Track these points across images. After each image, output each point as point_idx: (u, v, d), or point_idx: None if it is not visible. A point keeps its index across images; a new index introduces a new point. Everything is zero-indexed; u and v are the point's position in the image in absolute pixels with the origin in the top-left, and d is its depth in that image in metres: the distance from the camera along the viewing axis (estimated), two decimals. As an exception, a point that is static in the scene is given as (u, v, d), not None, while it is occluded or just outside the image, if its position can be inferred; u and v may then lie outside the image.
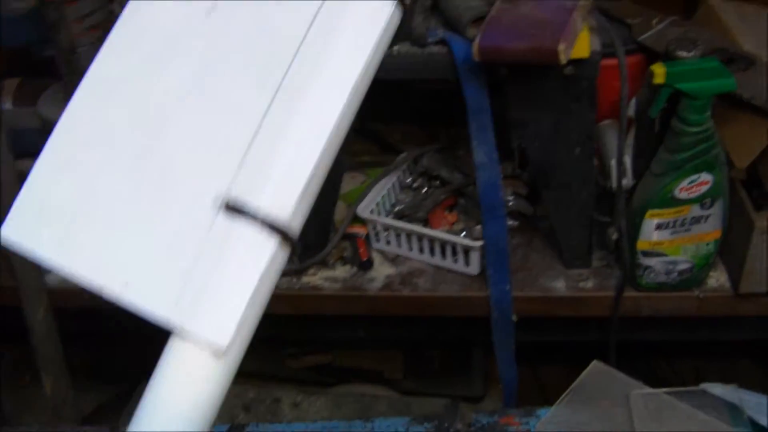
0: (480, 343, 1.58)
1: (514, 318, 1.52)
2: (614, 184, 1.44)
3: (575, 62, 1.30)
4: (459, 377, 1.89)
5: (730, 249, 1.53)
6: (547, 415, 1.23)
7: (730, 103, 1.44)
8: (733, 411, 1.21)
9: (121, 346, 2.00)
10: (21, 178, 1.53)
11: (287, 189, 0.68)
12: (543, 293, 1.56)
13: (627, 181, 1.44)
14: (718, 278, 1.57)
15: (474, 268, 1.58)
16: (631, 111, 1.40)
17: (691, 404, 1.21)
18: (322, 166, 0.70)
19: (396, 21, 0.74)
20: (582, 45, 1.30)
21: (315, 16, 0.72)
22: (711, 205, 1.42)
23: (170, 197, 0.69)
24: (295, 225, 0.68)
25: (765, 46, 1.47)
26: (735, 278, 1.53)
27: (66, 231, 0.70)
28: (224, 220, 0.67)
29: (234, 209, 0.67)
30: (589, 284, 1.57)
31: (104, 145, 0.72)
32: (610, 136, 1.46)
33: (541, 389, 1.60)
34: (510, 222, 1.62)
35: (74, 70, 1.64)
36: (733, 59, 1.44)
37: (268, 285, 0.68)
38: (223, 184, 0.68)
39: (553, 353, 1.77)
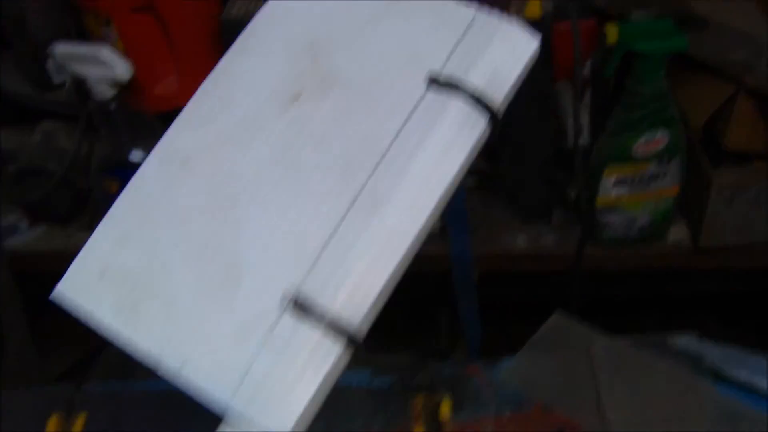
0: (443, 301, 1.64)
1: (476, 275, 1.59)
2: (571, 142, 1.51)
3: (528, 23, 1.36)
4: (424, 335, 1.95)
5: (689, 205, 1.62)
6: (509, 364, 1.30)
7: (685, 64, 1.52)
8: (696, 361, 1.28)
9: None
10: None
11: (360, 295, 0.68)
12: (504, 250, 1.64)
13: (584, 140, 1.51)
14: (678, 233, 1.65)
15: (435, 225, 1.64)
16: (586, 72, 1.48)
17: (653, 354, 1.28)
18: (398, 273, 0.71)
19: (486, 134, 0.75)
20: (534, 6, 1.37)
21: (404, 123, 0.72)
22: (668, 162, 1.50)
23: (238, 283, 0.70)
24: (364, 330, 0.68)
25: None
26: (695, 233, 1.62)
27: (126, 299, 0.72)
28: (291, 317, 0.68)
29: (302, 308, 0.68)
30: (550, 241, 1.65)
31: (175, 217, 0.74)
32: (566, 96, 1.53)
33: (508, 346, 1.67)
34: (468, 179, 1.69)
35: (23, 39, 1.69)
36: (687, 20, 1.51)
37: (330, 384, 0.69)
38: (295, 280, 0.69)
39: (518, 310, 1.85)
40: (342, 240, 0.69)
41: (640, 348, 1.28)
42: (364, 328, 0.68)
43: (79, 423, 1.30)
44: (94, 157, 1.62)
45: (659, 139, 1.45)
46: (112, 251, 0.74)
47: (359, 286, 0.68)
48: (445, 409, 1.26)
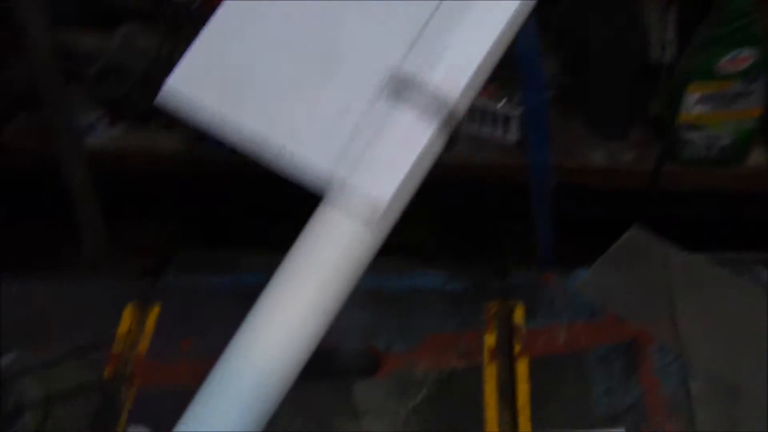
0: (516, 213, 1.64)
1: (552, 187, 1.57)
2: (657, 58, 1.49)
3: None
4: (493, 253, 1.95)
5: (773, 126, 1.59)
6: (584, 274, 1.30)
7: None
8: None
9: (159, 216, 2.10)
10: (56, 45, 1.61)
11: (457, 73, 0.70)
12: (581, 164, 1.64)
13: (669, 55, 1.49)
14: (759, 157, 1.62)
15: (513, 136, 1.66)
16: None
17: (731, 272, 1.27)
18: (493, 55, 0.71)
19: None
20: None
21: None
22: (754, 81, 1.47)
23: (339, 68, 0.73)
24: (460, 109, 0.69)
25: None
26: (776, 156, 1.59)
27: (232, 88, 0.75)
28: (391, 95, 0.70)
29: (402, 86, 0.69)
30: (628, 157, 1.64)
31: (276, 18, 0.76)
32: (652, 10, 1.51)
33: (581, 261, 1.67)
34: (550, 91, 1.66)
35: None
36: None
37: (426, 164, 0.70)
38: (394, 61, 0.70)
39: (593, 226, 1.84)
40: (438, 25, 0.71)
41: (718, 265, 1.28)
42: (461, 107, 0.69)
43: (153, 313, 1.33)
44: (175, 56, 1.63)
45: (745, 57, 1.43)
46: (218, 49, 0.77)
47: (456, 64, 0.70)
48: (518, 316, 1.27)
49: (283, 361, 0.69)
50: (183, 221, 2.13)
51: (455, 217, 1.95)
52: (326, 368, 1.28)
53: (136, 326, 1.31)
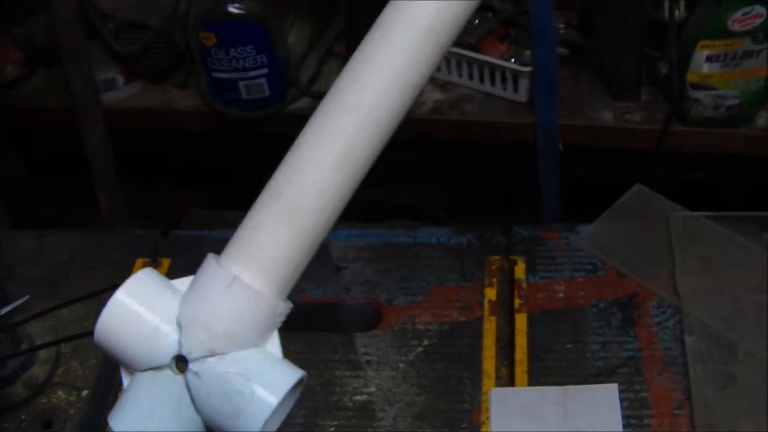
0: (524, 173, 1.65)
1: (560, 147, 1.59)
2: (666, 14, 1.49)
3: None
4: (501, 218, 1.95)
5: (782, 89, 1.57)
6: (586, 231, 1.31)
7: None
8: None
9: (170, 179, 2.12)
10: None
11: None
12: (590, 123, 1.63)
13: (679, 13, 1.49)
14: (767, 119, 1.61)
15: (522, 95, 1.65)
16: (684, -59, 1.45)
17: (732, 230, 1.27)
18: None
19: None
20: None
21: None
22: (764, 40, 1.46)
23: None
24: None
25: None
26: (785, 118, 1.58)
27: None
28: None
29: None
30: (637, 117, 1.63)
31: None
32: (663, -34, 1.51)
33: (586, 219, 1.69)
34: (560, 50, 1.65)
35: None
36: None
37: None
38: None
39: (600, 186, 1.84)
40: None
41: (719, 222, 1.28)
42: None
43: (163, 267, 1.35)
44: (192, 12, 1.64)
45: (757, 14, 1.42)
46: None
47: None
48: (520, 270, 1.28)
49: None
50: (193, 184, 2.15)
51: (463, 177, 1.95)
52: (328, 321, 1.30)
53: (146, 279, 1.33)
